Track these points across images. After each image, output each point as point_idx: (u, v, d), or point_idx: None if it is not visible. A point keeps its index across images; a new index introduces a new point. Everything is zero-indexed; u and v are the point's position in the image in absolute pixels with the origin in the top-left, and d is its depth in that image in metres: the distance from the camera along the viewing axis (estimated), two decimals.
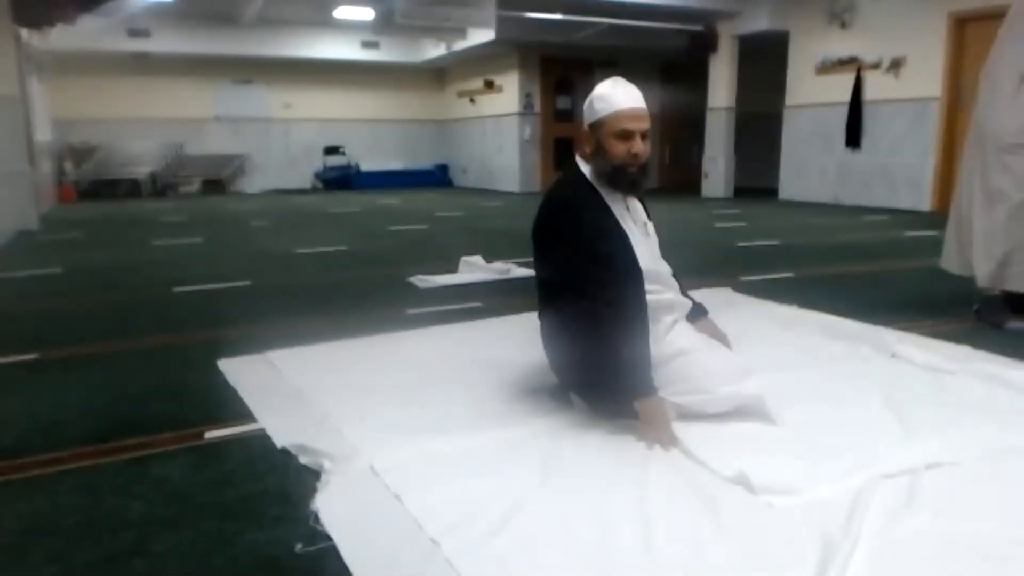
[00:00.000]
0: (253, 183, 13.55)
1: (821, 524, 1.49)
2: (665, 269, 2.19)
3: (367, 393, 2.36)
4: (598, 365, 1.97)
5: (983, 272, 3.05)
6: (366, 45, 12.65)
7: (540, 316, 2.22)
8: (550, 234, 2.10)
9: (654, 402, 1.94)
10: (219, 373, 2.61)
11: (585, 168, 2.11)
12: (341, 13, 10.57)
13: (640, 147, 2.03)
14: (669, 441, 1.89)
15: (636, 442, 1.91)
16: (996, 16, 6.71)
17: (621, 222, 2.06)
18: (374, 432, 2.01)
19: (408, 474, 1.75)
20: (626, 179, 2.05)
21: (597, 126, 2.05)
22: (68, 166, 11.75)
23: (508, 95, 12.51)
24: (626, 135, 2.01)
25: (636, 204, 2.18)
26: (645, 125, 2.04)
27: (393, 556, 1.43)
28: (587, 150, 2.09)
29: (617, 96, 2.03)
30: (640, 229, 2.14)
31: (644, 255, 2.07)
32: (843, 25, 8.98)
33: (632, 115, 2.02)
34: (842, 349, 2.73)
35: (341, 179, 13.52)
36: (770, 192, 10.38)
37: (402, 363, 2.68)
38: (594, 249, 1.97)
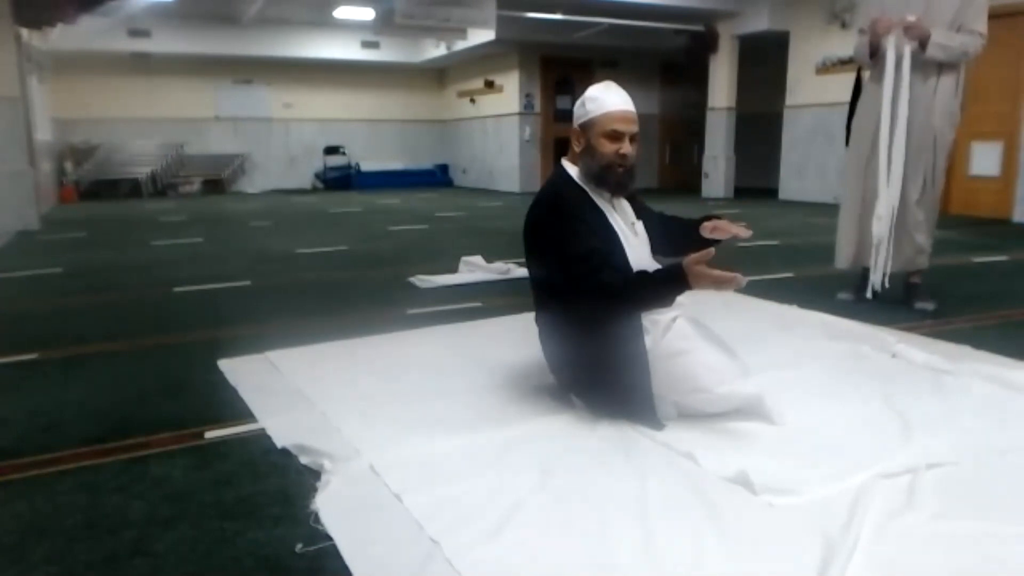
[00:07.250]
0: (253, 183, 13.55)
1: (821, 524, 1.49)
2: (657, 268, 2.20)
3: (367, 393, 2.36)
4: (639, 301, 1.98)
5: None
6: (366, 45, 12.66)
7: (536, 317, 2.23)
8: (540, 234, 2.12)
9: (684, 275, 1.89)
10: (219, 373, 2.61)
11: (571, 169, 2.16)
12: (341, 13, 10.57)
13: (628, 149, 2.08)
14: (723, 277, 1.88)
15: (636, 442, 1.91)
16: (999, 16, 6.77)
17: (609, 220, 2.10)
18: (374, 432, 2.01)
19: (408, 474, 1.75)
20: (614, 179, 2.11)
21: (587, 126, 2.10)
22: (68, 166, 11.75)
23: (508, 95, 12.51)
24: (616, 136, 2.07)
25: (623, 204, 2.21)
26: (634, 128, 2.10)
27: (393, 556, 1.43)
28: (576, 149, 2.14)
29: (609, 98, 2.09)
30: (629, 228, 2.17)
31: (634, 253, 2.10)
32: (843, 25, 8.97)
33: (622, 117, 2.08)
34: (842, 349, 2.73)
35: (341, 179, 13.53)
36: (770, 192, 10.38)
37: (402, 363, 2.68)
38: (583, 246, 2.00)
